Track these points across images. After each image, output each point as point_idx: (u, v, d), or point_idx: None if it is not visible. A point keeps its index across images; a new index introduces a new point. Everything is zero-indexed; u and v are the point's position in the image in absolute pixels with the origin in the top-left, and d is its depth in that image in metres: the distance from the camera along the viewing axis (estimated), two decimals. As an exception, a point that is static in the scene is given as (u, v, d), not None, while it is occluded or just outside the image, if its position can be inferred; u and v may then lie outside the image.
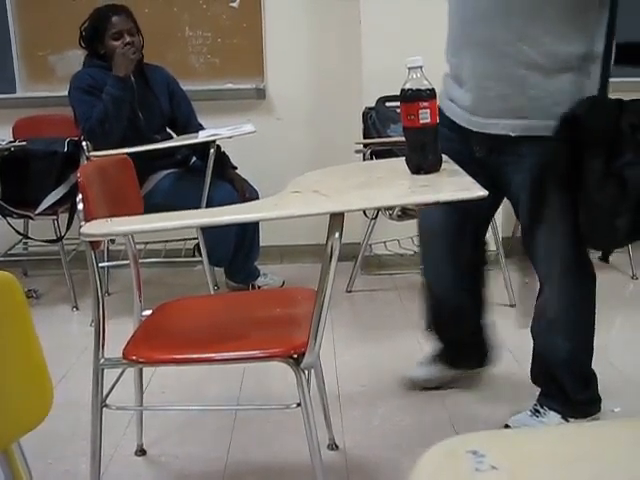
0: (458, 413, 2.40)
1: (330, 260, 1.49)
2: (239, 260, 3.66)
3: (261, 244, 3.71)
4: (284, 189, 1.67)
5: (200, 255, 3.45)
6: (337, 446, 2.22)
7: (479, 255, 2.45)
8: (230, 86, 4.20)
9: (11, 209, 3.53)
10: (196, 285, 3.80)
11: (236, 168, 3.66)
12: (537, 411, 2.25)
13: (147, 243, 3.96)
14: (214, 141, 3.29)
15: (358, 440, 2.26)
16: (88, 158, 3.32)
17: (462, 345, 2.50)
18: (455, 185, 1.58)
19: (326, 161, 4.23)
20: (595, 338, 2.17)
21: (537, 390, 2.29)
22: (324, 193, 1.59)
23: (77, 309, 3.61)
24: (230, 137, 3.28)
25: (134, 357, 1.68)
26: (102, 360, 1.71)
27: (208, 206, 3.31)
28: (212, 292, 3.43)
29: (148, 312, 1.99)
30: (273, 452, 2.22)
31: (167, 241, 3.93)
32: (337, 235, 1.47)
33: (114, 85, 3.29)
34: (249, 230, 3.59)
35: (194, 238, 3.52)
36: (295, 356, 1.64)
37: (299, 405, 1.67)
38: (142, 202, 2.12)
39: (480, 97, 2.04)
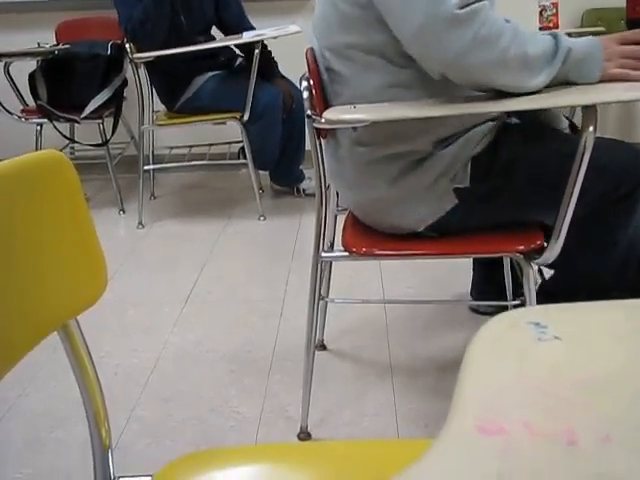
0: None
1: (583, 155, 1.40)
2: (284, 163, 3.65)
3: (307, 148, 3.69)
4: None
5: (245, 158, 3.44)
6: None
7: None
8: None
9: (57, 113, 3.54)
10: (241, 188, 3.82)
11: (284, 78, 3.60)
12: None
13: (192, 147, 3.96)
14: (259, 41, 3.23)
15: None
16: (131, 60, 3.30)
17: None
18: None
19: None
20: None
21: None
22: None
23: (123, 212, 3.65)
24: (275, 37, 3.22)
25: (354, 249, 1.65)
26: (323, 254, 1.70)
27: (253, 108, 3.28)
28: (257, 195, 3.43)
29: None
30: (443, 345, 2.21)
31: (212, 144, 3.93)
32: (591, 129, 1.38)
33: (154, -15, 3.23)
34: (295, 133, 3.56)
35: (239, 141, 3.50)
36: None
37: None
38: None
39: None
